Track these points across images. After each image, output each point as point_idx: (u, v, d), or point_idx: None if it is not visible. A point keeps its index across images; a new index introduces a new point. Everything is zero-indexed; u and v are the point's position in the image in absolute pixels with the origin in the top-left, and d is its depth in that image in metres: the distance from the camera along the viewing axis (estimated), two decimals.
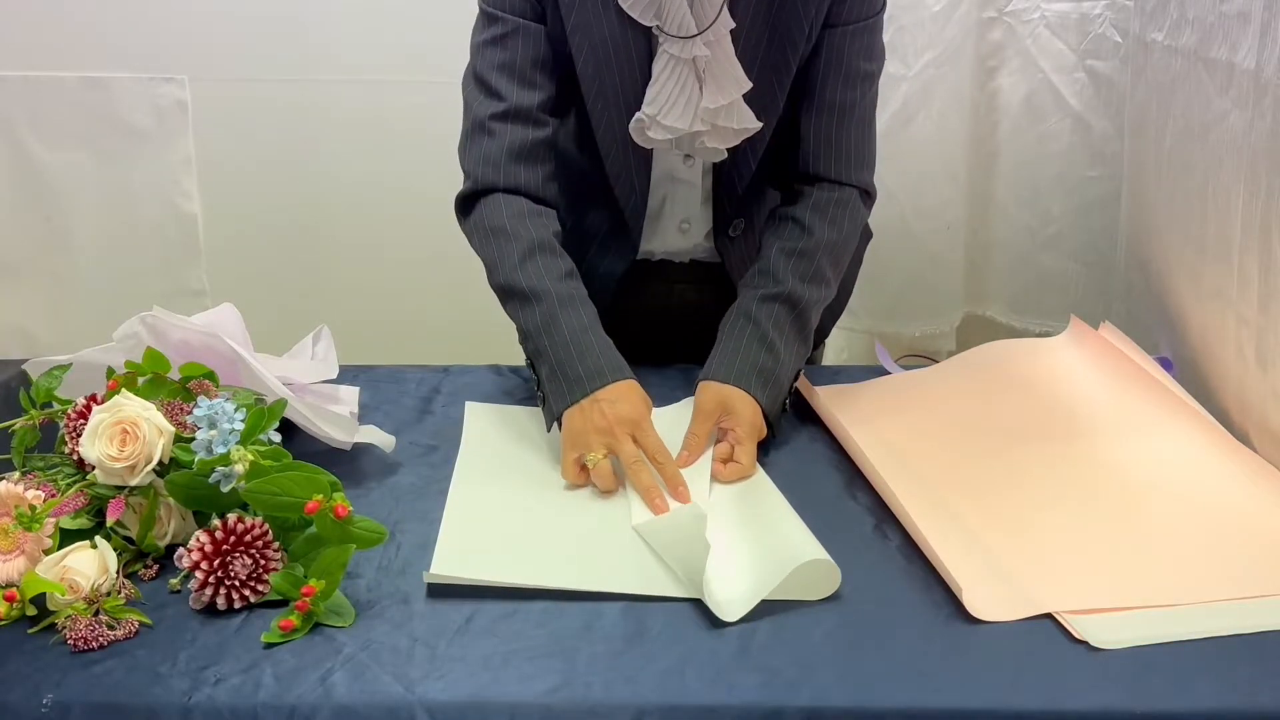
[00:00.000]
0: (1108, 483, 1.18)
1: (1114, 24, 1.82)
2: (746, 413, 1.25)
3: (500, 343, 1.72)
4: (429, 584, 1.00)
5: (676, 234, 1.47)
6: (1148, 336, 1.48)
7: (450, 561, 1.03)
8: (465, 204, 1.38)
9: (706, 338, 1.37)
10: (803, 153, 1.40)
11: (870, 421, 1.30)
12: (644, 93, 1.34)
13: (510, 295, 1.31)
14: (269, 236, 2.26)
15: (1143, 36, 1.55)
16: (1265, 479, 1.16)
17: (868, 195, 1.44)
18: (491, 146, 1.35)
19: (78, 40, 2.14)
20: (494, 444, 1.28)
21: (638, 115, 1.34)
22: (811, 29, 1.33)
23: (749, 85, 1.33)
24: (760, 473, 1.22)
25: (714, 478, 1.21)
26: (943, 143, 1.92)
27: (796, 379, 1.35)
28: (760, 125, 1.35)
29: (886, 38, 1.86)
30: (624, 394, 1.22)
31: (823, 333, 1.61)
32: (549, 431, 1.27)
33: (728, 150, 1.38)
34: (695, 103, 1.33)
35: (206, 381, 1.13)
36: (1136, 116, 1.61)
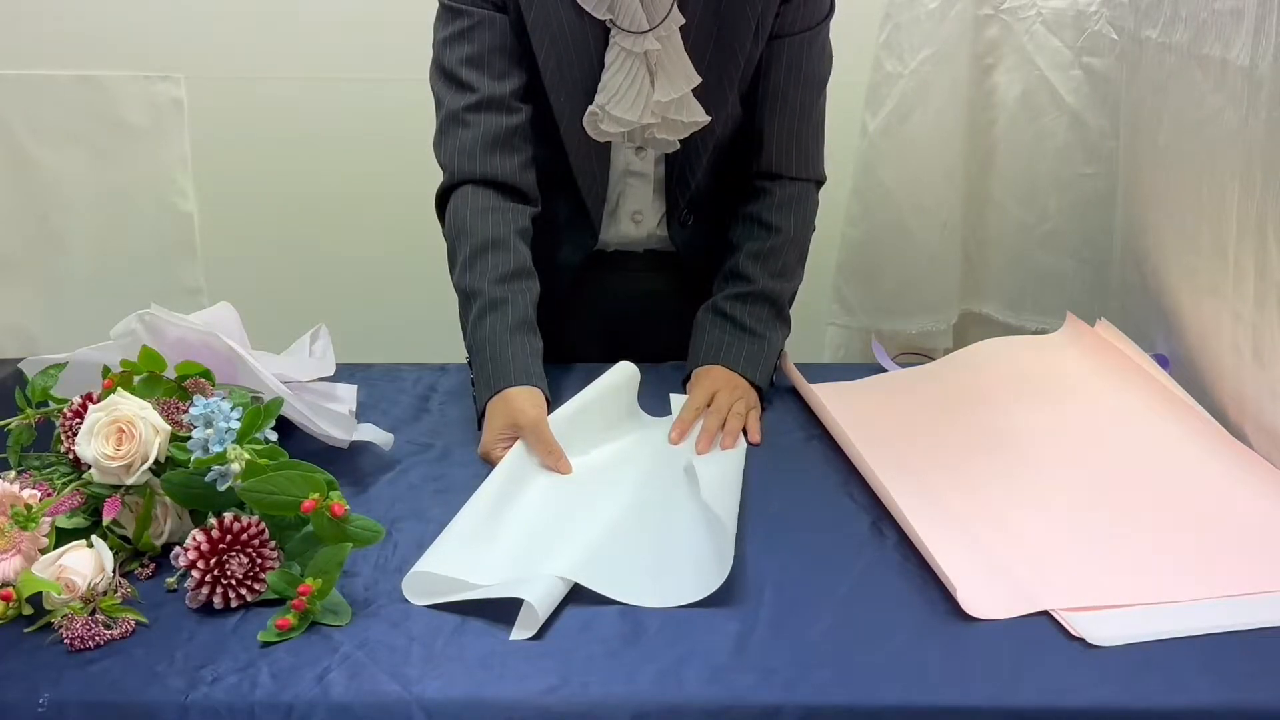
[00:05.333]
0: (1104, 480, 1.19)
1: (1110, 21, 1.81)
2: (742, 388, 1.34)
3: None
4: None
5: (630, 224, 1.50)
6: (1144, 333, 1.48)
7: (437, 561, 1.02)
8: (442, 199, 1.41)
9: (666, 324, 1.44)
10: (766, 153, 1.46)
11: (867, 419, 1.30)
12: None
13: (458, 293, 1.35)
14: (265, 235, 2.26)
15: (1137, 33, 1.55)
16: (1262, 475, 1.16)
17: (820, 184, 1.51)
18: (466, 137, 1.37)
19: (74, 38, 2.13)
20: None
21: (590, 108, 1.38)
22: (759, 28, 1.38)
23: (698, 80, 1.37)
24: (734, 464, 1.23)
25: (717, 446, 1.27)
26: (939, 140, 1.92)
27: (780, 353, 1.44)
28: (709, 119, 1.40)
29: (883, 36, 1.89)
30: (512, 400, 1.24)
31: None
32: (479, 428, 1.29)
33: (679, 142, 1.42)
34: (646, 95, 1.37)
35: (203, 380, 1.12)
36: (1131, 113, 1.61)
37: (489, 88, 1.36)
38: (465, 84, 1.37)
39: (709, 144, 1.43)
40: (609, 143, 1.42)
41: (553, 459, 1.20)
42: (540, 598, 0.95)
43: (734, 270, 1.44)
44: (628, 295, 1.55)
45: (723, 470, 1.20)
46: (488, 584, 0.99)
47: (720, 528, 1.05)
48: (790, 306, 1.47)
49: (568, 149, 1.41)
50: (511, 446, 1.20)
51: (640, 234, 1.51)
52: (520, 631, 0.94)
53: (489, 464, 1.20)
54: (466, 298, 1.33)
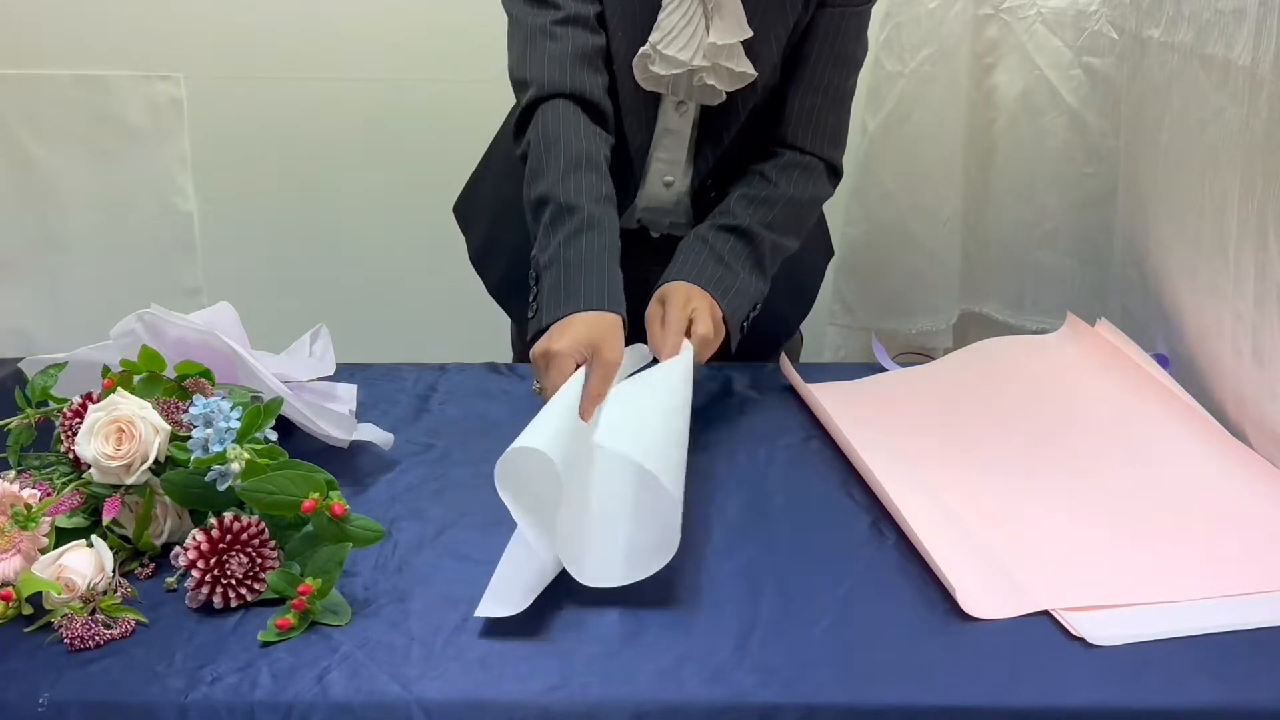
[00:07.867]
0: (1104, 479, 1.19)
1: (1110, 20, 1.82)
2: (704, 303, 1.30)
3: (497, 341, 1.72)
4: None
5: (660, 188, 1.49)
6: (1144, 333, 1.48)
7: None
8: (525, 116, 1.37)
9: None
10: (784, 125, 1.46)
11: (866, 419, 1.30)
12: None
13: (544, 204, 1.30)
14: (265, 235, 2.26)
15: (1139, 33, 1.55)
16: (1261, 475, 1.16)
17: (835, 172, 1.49)
18: (555, 49, 1.35)
19: (73, 38, 2.13)
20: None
21: (643, 49, 1.37)
22: None
23: (750, 33, 1.36)
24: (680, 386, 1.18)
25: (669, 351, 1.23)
26: (939, 139, 1.92)
27: (756, 308, 1.40)
28: (755, 75, 1.39)
29: (883, 35, 1.89)
30: (606, 326, 1.20)
31: (788, 329, 1.64)
32: (528, 339, 1.24)
33: (723, 95, 1.40)
34: (700, 38, 1.36)
35: (203, 380, 1.12)
36: (1133, 113, 1.61)
37: (574, 6, 1.36)
38: (550, 1, 1.36)
39: (748, 104, 1.42)
40: (657, 96, 1.41)
41: (593, 403, 1.14)
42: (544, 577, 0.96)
43: (722, 209, 1.43)
44: (641, 284, 1.54)
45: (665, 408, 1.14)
46: (552, 528, 0.97)
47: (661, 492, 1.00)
48: (772, 264, 1.42)
49: (620, 96, 1.40)
50: (579, 367, 1.15)
51: (669, 199, 1.49)
52: (491, 608, 0.94)
53: (538, 361, 1.16)
54: (560, 210, 1.28)
